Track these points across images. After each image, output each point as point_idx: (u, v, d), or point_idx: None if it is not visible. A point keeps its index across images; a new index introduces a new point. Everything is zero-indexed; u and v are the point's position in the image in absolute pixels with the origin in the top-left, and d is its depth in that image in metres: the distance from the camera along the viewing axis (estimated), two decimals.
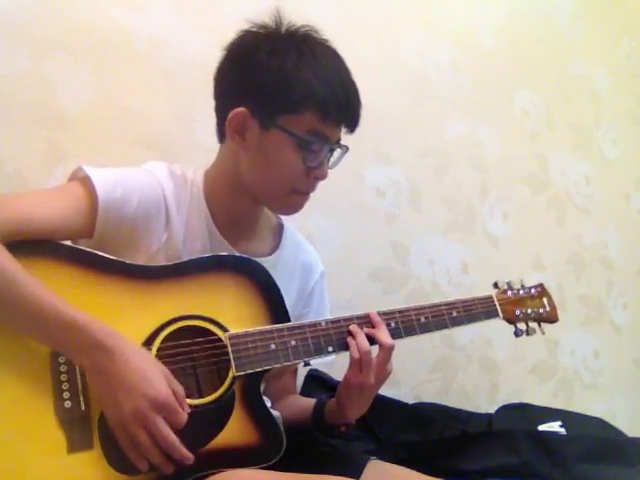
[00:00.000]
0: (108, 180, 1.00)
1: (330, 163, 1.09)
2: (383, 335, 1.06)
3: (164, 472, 0.89)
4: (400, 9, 1.91)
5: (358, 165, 1.73)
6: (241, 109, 1.02)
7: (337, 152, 1.09)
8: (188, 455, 0.89)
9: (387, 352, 1.05)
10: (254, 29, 1.06)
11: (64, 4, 1.42)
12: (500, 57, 2.10)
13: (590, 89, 2.32)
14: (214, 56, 1.54)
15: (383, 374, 1.05)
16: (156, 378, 0.87)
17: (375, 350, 1.05)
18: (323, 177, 1.07)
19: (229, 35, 1.59)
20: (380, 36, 1.86)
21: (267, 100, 1.01)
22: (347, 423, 1.11)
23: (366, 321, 1.08)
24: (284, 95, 1.00)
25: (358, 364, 1.03)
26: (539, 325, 1.28)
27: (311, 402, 1.19)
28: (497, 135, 2.06)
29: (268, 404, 1.08)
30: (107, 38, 1.46)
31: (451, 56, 2.00)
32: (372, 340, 1.05)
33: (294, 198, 1.09)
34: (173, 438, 0.87)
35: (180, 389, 0.90)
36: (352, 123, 1.06)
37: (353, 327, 1.06)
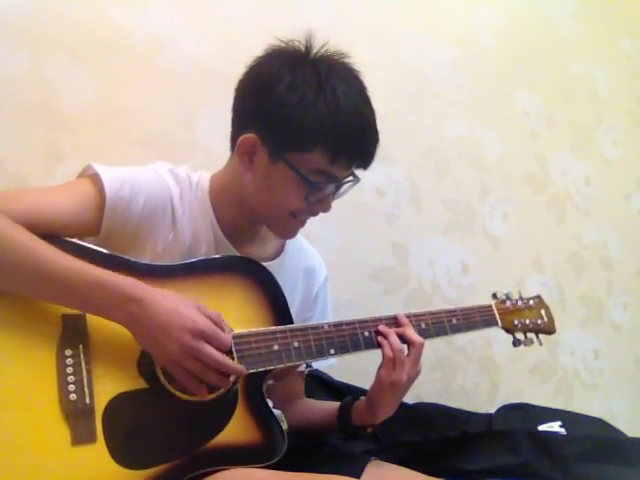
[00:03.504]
0: (116, 178, 1.01)
1: (337, 194, 1.09)
2: (412, 333, 1.08)
3: (224, 387, 0.95)
4: (400, 9, 1.91)
5: None
6: (252, 135, 1.02)
7: (346, 185, 1.08)
8: (241, 368, 0.95)
9: (418, 349, 1.07)
10: (282, 49, 1.05)
11: (64, 4, 1.42)
12: (500, 57, 2.10)
13: (590, 89, 2.32)
14: (214, 56, 1.55)
15: (415, 372, 1.08)
16: (189, 310, 0.91)
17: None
18: (325, 211, 1.08)
19: (229, 35, 1.60)
20: (380, 36, 1.86)
21: (278, 134, 1.01)
22: (374, 424, 1.12)
23: (369, 325, 1.09)
24: (295, 133, 0.99)
25: (392, 363, 1.05)
26: (537, 336, 1.29)
27: (330, 405, 1.21)
28: (497, 135, 2.06)
29: (270, 404, 1.09)
30: (107, 38, 1.46)
31: (451, 56, 1.99)
32: (400, 340, 1.07)
33: (292, 222, 1.09)
34: (223, 357, 0.92)
35: (216, 314, 0.94)
36: (364, 163, 1.06)
37: (383, 327, 1.08)
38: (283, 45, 1.05)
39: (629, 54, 2.43)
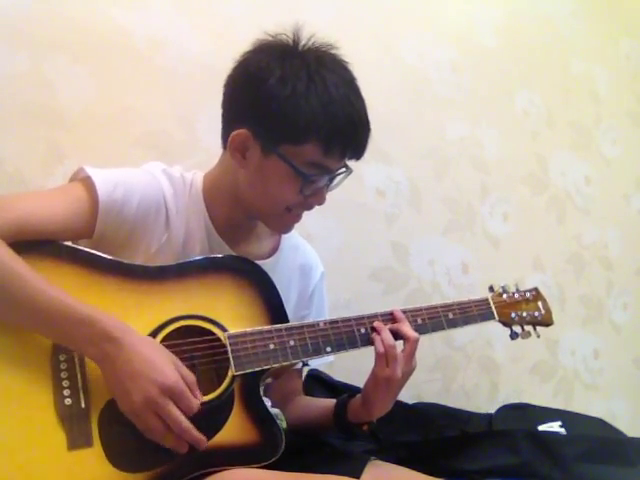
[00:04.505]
0: (109, 181, 1.01)
1: (330, 186, 1.09)
2: (407, 328, 1.07)
3: (181, 452, 0.90)
4: (400, 9, 1.91)
5: (358, 165, 1.74)
6: (244, 131, 1.02)
7: (340, 176, 1.09)
8: (201, 438, 0.90)
9: (412, 345, 1.06)
10: (270, 43, 1.05)
11: (64, 4, 1.42)
12: (500, 57, 2.10)
13: (590, 89, 2.32)
14: (214, 56, 1.55)
15: (410, 367, 1.07)
16: (164, 364, 0.89)
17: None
18: (320, 204, 1.08)
19: (229, 35, 1.60)
20: (380, 36, 1.86)
21: (270, 127, 1.01)
22: (370, 422, 1.12)
23: (364, 322, 1.08)
24: (288, 126, 0.99)
25: (384, 358, 1.04)
26: (534, 328, 1.28)
27: (327, 402, 1.20)
28: (497, 135, 2.06)
29: (268, 404, 1.08)
30: (107, 38, 1.46)
31: (451, 56, 1.99)
32: (396, 336, 1.07)
33: (287, 217, 1.09)
34: (185, 423, 0.88)
35: (190, 376, 0.91)
36: (357, 154, 1.06)
37: (377, 323, 1.08)
38: (271, 39, 1.05)
39: (629, 54, 2.43)
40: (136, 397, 0.86)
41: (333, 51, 1.05)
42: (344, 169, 1.07)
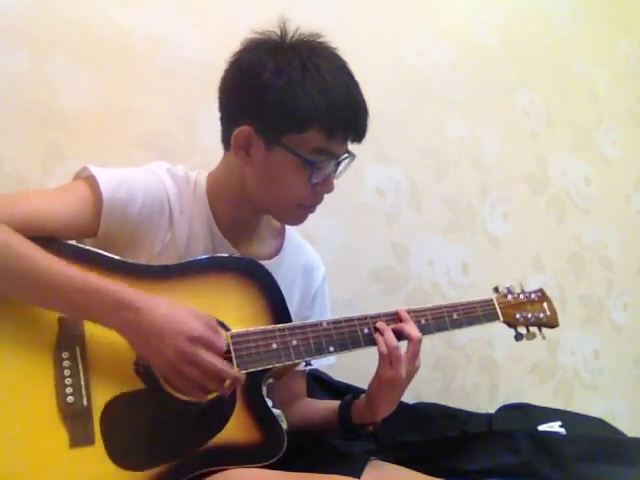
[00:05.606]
0: (113, 180, 1.01)
1: (336, 173, 1.09)
2: (411, 329, 1.07)
3: (223, 394, 0.93)
4: (400, 9, 1.91)
5: (358, 165, 1.73)
6: (246, 127, 1.02)
7: (344, 162, 1.09)
8: (239, 375, 0.92)
9: (415, 345, 1.06)
10: (259, 40, 1.05)
11: (64, 4, 1.43)
12: (500, 57, 2.10)
13: (590, 89, 2.32)
14: (214, 55, 1.54)
15: (413, 368, 1.07)
16: (186, 317, 0.90)
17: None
18: (329, 191, 1.08)
19: (229, 35, 1.59)
20: (380, 36, 1.86)
21: (272, 120, 1.01)
22: (374, 422, 1.12)
23: (368, 321, 1.08)
24: (288, 115, 0.99)
25: (387, 359, 1.04)
26: (539, 330, 1.28)
27: (330, 404, 1.20)
28: (497, 135, 2.06)
29: (270, 404, 1.08)
30: (107, 38, 1.46)
31: (451, 56, 2.00)
32: (399, 336, 1.07)
33: (300, 211, 1.10)
34: (221, 363, 0.90)
35: (211, 320, 0.93)
36: (359, 136, 1.06)
37: (380, 324, 1.08)
38: (258, 36, 1.06)
39: (629, 54, 2.43)
40: (169, 353, 0.88)
41: (321, 39, 1.06)
42: (347, 155, 1.08)
